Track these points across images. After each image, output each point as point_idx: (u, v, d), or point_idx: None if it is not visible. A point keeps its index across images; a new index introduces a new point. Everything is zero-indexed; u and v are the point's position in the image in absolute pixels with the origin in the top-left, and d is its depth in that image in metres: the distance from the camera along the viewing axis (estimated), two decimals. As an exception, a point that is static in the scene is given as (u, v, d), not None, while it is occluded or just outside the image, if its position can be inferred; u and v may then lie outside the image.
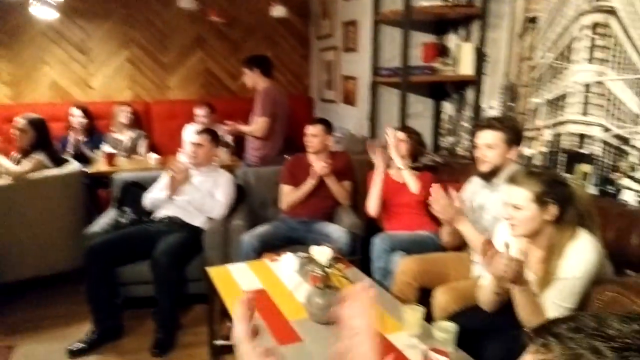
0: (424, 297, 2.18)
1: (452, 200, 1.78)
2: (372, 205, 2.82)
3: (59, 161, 3.33)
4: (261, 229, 2.92)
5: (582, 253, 1.61)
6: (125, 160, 4.15)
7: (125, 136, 4.40)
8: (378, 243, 2.53)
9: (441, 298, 1.99)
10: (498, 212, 2.15)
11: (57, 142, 3.96)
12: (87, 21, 4.71)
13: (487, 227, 2.23)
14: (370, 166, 2.93)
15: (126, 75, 4.89)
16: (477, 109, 3.29)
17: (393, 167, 2.88)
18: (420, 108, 3.74)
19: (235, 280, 2.36)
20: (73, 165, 3.41)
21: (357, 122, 3.99)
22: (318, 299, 1.91)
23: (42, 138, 3.29)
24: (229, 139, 4.20)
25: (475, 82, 3.29)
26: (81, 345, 2.61)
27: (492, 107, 3.19)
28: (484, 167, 2.19)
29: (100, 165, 3.92)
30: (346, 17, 4.21)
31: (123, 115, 4.40)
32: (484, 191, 2.28)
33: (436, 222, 2.47)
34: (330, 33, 4.59)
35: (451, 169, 3.12)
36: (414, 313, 1.68)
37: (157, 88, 4.98)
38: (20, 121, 3.24)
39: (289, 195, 3.11)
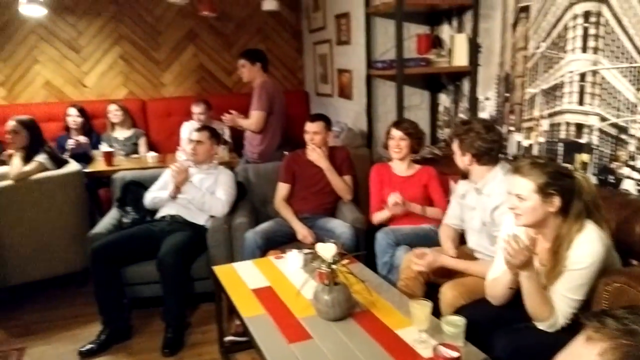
0: (429, 291, 2.22)
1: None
2: (377, 221, 2.86)
3: (59, 162, 3.34)
4: (264, 226, 2.95)
5: (588, 244, 1.65)
6: (124, 159, 4.15)
7: (122, 135, 4.40)
8: (382, 238, 2.57)
9: (449, 293, 2.04)
10: (485, 218, 2.23)
11: (53, 142, 3.95)
12: (78, 18, 4.69)
13: (477, 229, 2.29)
14: (371, 161, 2.96)
15: (120, 72, 4.87)
16: (473, 100, 3.32)
17: (395, 160, 2.91)
18: (417, 100, 3.77)
19: (242, 278, 2.40)
20: (73, 166, 3.41)
21: (355, 115, 4.02)
22: (325, 295, 1.94)
23: (35, 138, 3.31)
24: (227, 135, 4.21)
25: (470, 73, 3.32)
26: (91, 346, 2.64)
27: (488, 98, 3.22)
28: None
29: (99, 165, 3.92)
30: (338, 9, 4.20)
31: (112, 114, 4.39)
32: (472, 193, 2.34)
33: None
34: (323, 26, 4.59)
35: (450, 161, 3.15)
36: (422, 308, 1.72)
37: (152, 85, 4.98)
38: (11, 123, 3.26)
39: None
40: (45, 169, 3.22)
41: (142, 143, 4.44)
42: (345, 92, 4.24)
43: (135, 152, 4.37)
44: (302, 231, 2.96)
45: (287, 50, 5.29)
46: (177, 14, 4.87)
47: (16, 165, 3.16)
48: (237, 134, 4.05)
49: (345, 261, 2.06)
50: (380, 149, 3.59)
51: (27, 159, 3.23)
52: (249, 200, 3.34)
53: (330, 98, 4.62)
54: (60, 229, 3.27)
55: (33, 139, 3.29)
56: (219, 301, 2.52)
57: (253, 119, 3.62)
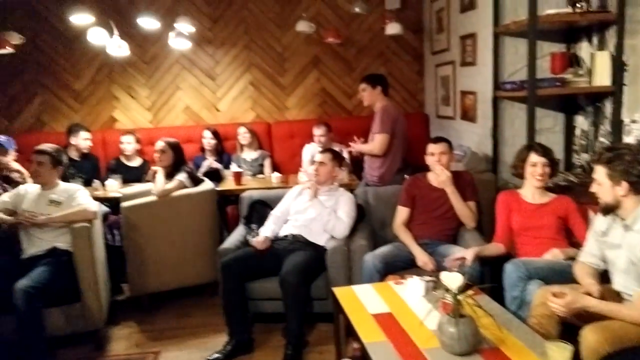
0: (565, 332, 2.02)
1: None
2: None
3: (196, 181, 3.65)
4: (384, 250, 2.93)
5: None
6: (250, 179, 4.40)
7: (250, 156, 4.68)
8: (512, 270, 2.40)
9: (592, 337, 1.81)
10: (634, 257, 1.97)
11: (190, 162, 4.32)
12: (215, 49, 5.11)
13: (624, 270, 2.04)
14: (496, 187, 2.81)
15: (249, 97, 5.22)
16: (617, 123, 3.02)
17: (527, 187, 2.74)
18: (550, 123, 3.52)
19: (361, 301, 2.39)
20: (208, 185, 3.69)
21: (478, 139, 3.86)
22: (451, 328, 1.86)
23: (178, 158, 3.65)
24: (346, 157, 4.28)
25: (613, 93, 3.03)
26: (217, 355, 2.80)
27: (635, 120, 2.91)
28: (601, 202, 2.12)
29: (228, 184, 4.20)
30: (463, 30, 4.10)
31: (241, 136, 4.68)
32: (618, 230, 2.10)
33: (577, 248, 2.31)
34: (446, 47, 4.51)
35: (586, 189, 2.89)
36: (561, 351, 1.57)
37: (277, 109, 5.25)
38: (160, 144, 3.62)
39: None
40: (184, 187, 3.53)
41: (267, 164, 4.68)
42: (468, 115, 4.10)
43: (261, 172, 4.62)
44: (422, 257, 2.89)
45: (408, 73, 5.27)
46: (303, 41, 5.11)
47: (160, 182, 3.51)
48: (358, 156, 4.09)
49: (469, 292, 1.96)
50: (506, 174, 3.40)
51: (169, 177, 3.57)
52: (367, 223, 3.35)
53: (451, 121, 4.50)
54: (194, 242, 3.55)
55: (176, 159, 3.64)
56: (338, 323, 2.53)
57: (376, 142, 3.64)
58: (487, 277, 2.71)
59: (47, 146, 3.14)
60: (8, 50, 4.22)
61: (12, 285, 2.66)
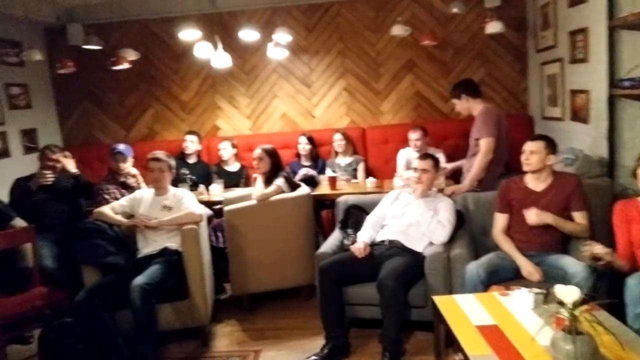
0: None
1: None
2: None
3: (293, 186, 3.74)
4: (487, 259, 2.79)
5: None
6: (345, 184, 4.43)
7: (344, 161, 4.71)
8: (635, 285, 2.18)
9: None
10: None
11: (286, 167, 4.44)
12: (311, 57, 5.22)
13: None
14: (613, 194, 2.57)
15: (343, 103, 5.26)
16: None
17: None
18: (679, 123, 3.17)
19: (464, 311, 2.30)
20: (305, 189, 3.77)
21: (591, 141, 3.56)
22: (567, 345, 1.73)
23: (275, 164, 3.77)
24: (443, 162, 4.16)
25: None
26: (315, 358, 2.84)
27: None
28: None
29: (323, 189, 4.26)
30: (573, 25, 3.81)
31: (336, 143, 4.73)
32: None
33: None
34: (553, 44, 4.22)
35: None
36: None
37: (371, 114, 5.24)
38: (257, 152, 3.77)
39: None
40: (282, 192, 3.64)
41: (360, 169, 4.68)
42: (579, 115, 3.80)
43: (355, 177, 4.63)
44: (527, 267, 2.72)
45: (509, 73, 5.02)
46: (398, 45, 5.06)
47: (259, 187, 3.65)
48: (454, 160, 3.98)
49: (586, 307, 1.81)
50: (625, 179, 3.11)
51: (267, 182, 3.70)
52: (467, 229, 3.22)
53: (560, 122, 4.20)
54: (292, 245, 3.64)
55: (274, 164, 3.76)
56: (438, 332, 2.45)
57: (483, 148, 3.49)
58: (603, 291, 2.49)
59: (162, 154, 3.40)
60: (125, 65, 4.63)
61: (130, 282, 2.89)
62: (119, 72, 4.98)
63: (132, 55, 4.71)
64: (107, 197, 3.87)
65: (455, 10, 4.65)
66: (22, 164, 4.56)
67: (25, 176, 3.85)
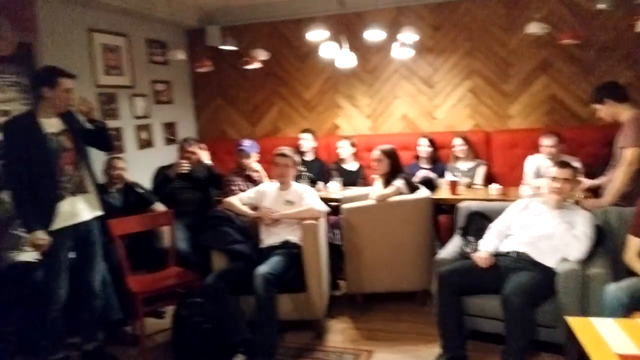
0: None
1: None
2: None
3: (413, 188, 3.68)
4: (631, 282, 2.50)
5: None
6: (464, 189, 4.25)
7: (465, 165, 4.54)
8: None
9: None
10: None
11: (406, 168, 4.38)
12: (435, 57, 5.09)
13: None
14: None
15: (467, 105, 5.05)
16: None
17: None
18: None
19: (603, 337, 2.08)
20: (424, 192, 3.70)
21: None
22: None
23: (394, 165, 3.73)
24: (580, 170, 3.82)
25: None
26: (431, 366, 2.77)
27: None
28: None
29: (443, 193, 4.14)
30: None
31: (457, 148, 4.55)
32: None
33: None
34: None
35: None
36: None
37: (497, 117, 4.98)
38: (375, 153, 3.76)
39: None
40: (401, 193, 3.59)
41: (480, 173, 4.46)
42: None
43: (474, 182, 4.43)
44: None
45: (663, 76, 4.47)
46: (531, 44, 4.74)
47: (378, 188, 3.64)
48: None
49: None
50: None
51: (386, 183, 3.68)
52: (608, 247, 2.92)
53: None
54: (409, 248, 3.58)
55: (393, 165, 3.73)
56: (571, 356, 2.25)
57: (627, 158, 3.14)
58: None
59: (288, 150, 3.55)
60: (256, 65, 4.89)
61: (253, 270, 3.04)
62: (247, 71, 5.26)
63: (263, 55, 4.95)
64: (234, 188, 4.12)
65: (601, 6, 4.23)
66: (164, 154, 5.05)
67: (166, 165, 4.25)
